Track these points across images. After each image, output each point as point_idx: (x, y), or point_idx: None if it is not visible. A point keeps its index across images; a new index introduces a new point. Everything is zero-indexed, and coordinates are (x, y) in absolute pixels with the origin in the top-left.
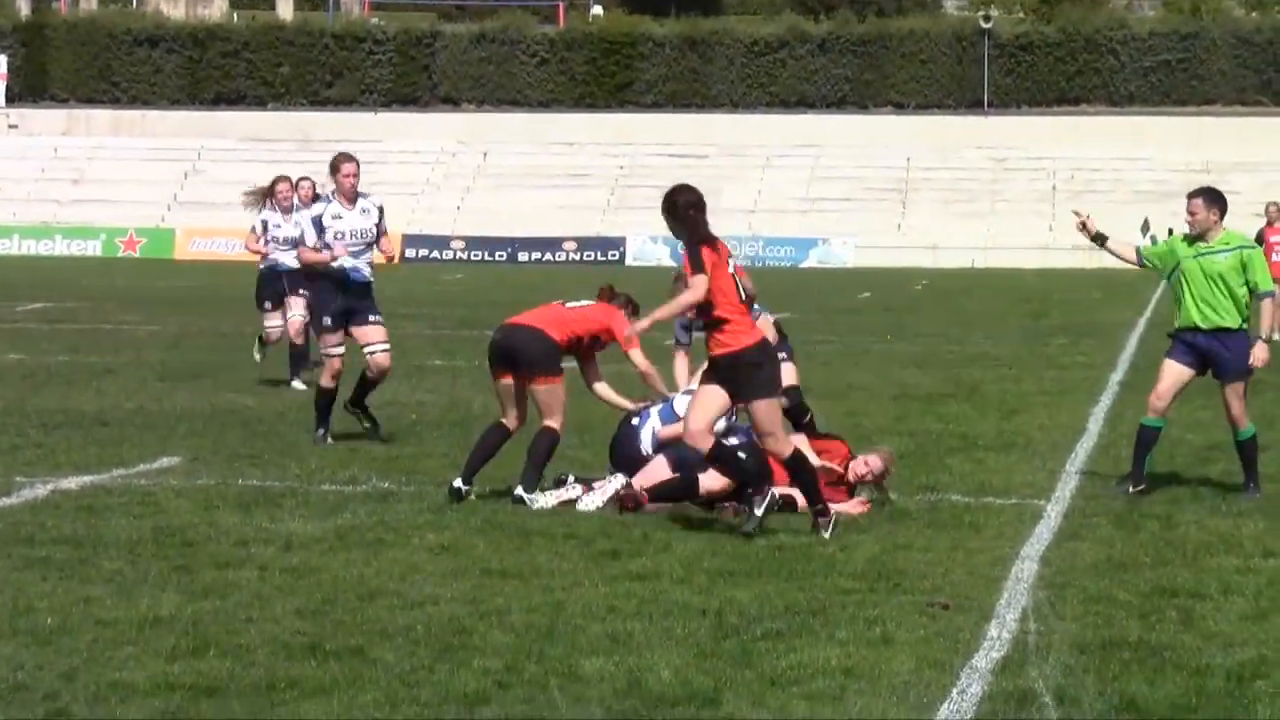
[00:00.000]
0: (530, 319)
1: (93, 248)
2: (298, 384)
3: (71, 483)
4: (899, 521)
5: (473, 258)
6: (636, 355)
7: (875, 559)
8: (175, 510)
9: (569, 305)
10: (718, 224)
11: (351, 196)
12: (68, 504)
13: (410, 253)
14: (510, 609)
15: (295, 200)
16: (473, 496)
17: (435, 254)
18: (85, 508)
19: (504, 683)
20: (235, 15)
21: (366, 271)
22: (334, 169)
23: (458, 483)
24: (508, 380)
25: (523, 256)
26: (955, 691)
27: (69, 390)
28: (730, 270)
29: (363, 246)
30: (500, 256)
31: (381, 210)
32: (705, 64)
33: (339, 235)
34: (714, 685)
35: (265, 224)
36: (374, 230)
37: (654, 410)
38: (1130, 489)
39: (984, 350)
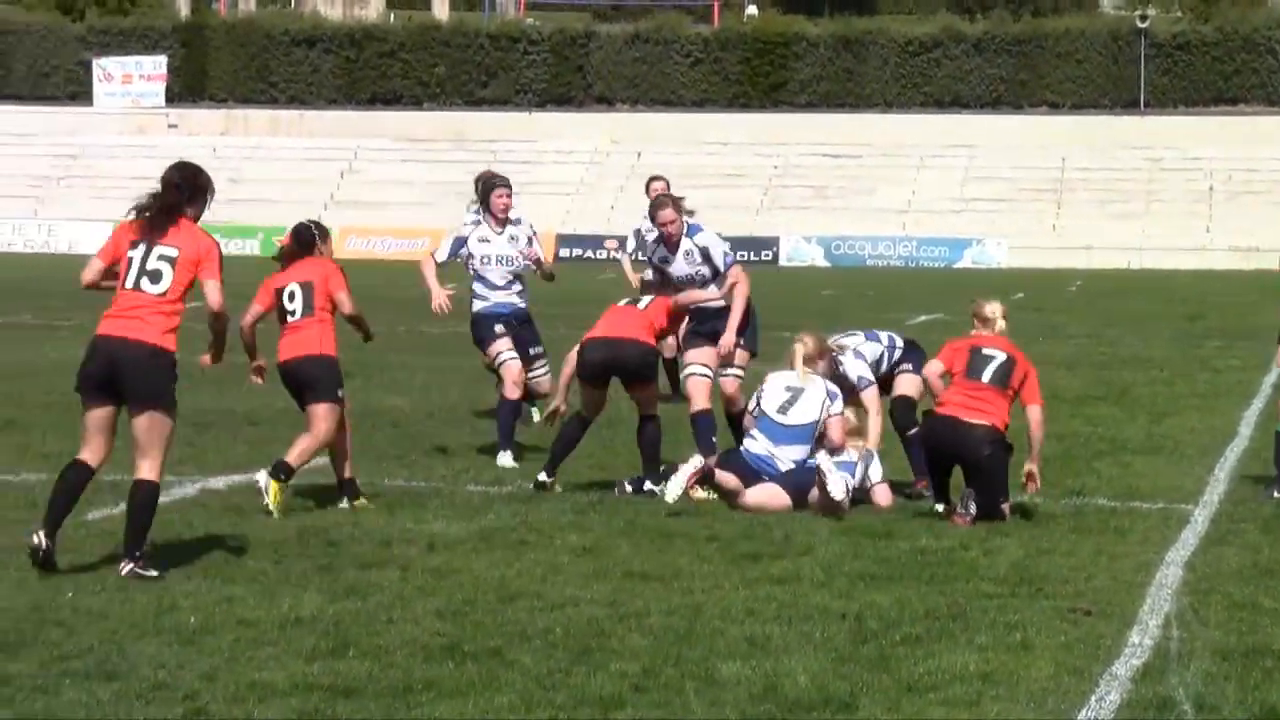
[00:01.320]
0: (626, 330)
1: (251, 247)
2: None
3: (220, 482)
4: (1043, 526)
5: None
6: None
7: (1018, 563)
8: (320, 511)
9: (625, 304)
10: (871, 223)
11: (502, 221)
12: (215, 503)
13: (564, 253)
14: (649, 611)
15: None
16: (558, 489)
17: (589, 254)
18: (233, 507)
19: (640, 686)
20: (392, 15)
21: (520, 303)
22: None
23: (542, 475)
24: (602, 391)
25: None
26: (1094, 699)
27: (221, 390)
28: None
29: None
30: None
31: (532, 233)
32: (859, 64)
33: (485, 260)
34: (850, 690)
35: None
36: (521, 257)
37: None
38: (1277, 494)
39: (1136, 352)
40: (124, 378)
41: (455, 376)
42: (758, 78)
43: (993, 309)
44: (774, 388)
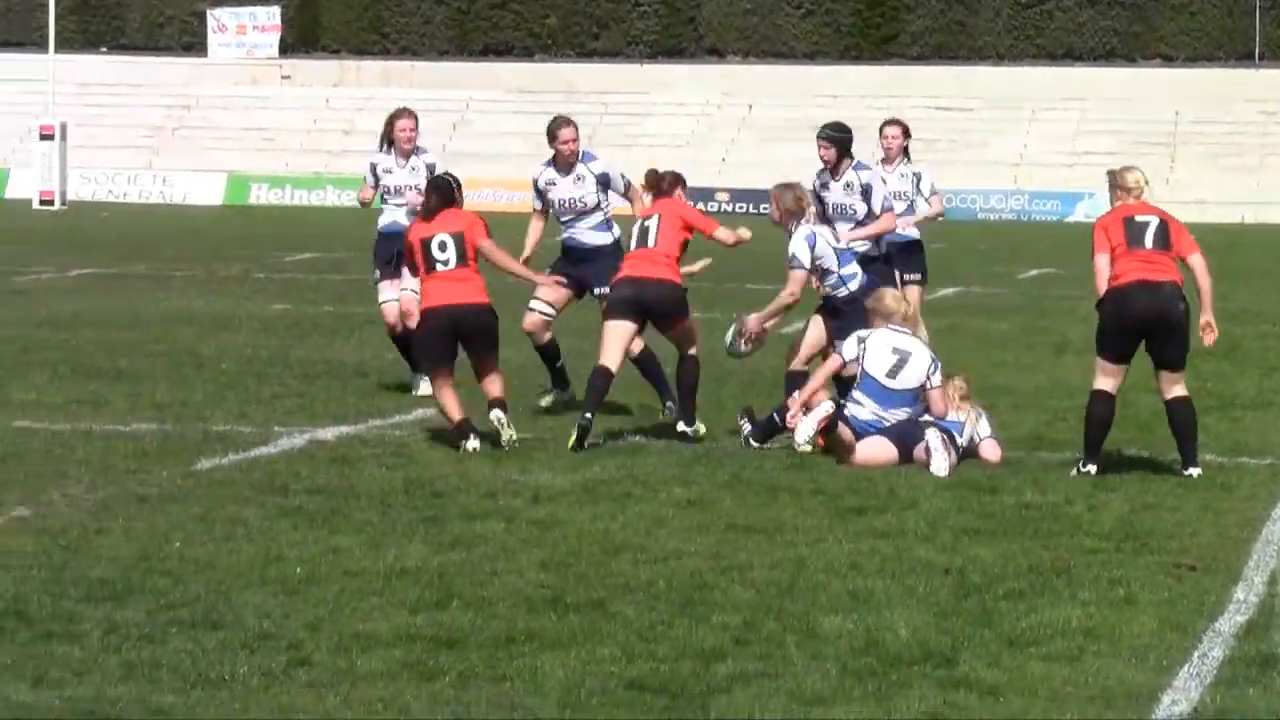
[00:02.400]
0: (652, 270)
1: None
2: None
3: (328, 433)
4: (1149, 481)
5: (738, 210)
6: (722, 233)
7: (1123, 518)
8: (427, 462)
9: (647, 245)
10: (982, 176)
11: (569, 164)
12: (323, 454)
13: None
14: (752, 564)
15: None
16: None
17: (700, 205)
18: (340, 458)
19: (741, 639)
20: None
21: (590, 239)
22: (551, 135)
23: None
24: (631, 325)
25: None
26: (1196, 655)
27: (331, 341)
28: None
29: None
30: (764, 209)
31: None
32: (971, 15)
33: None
34: (951, 644)
35: (374, 168)
36: (593, 197)
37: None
38: None
39: (1247, 307)
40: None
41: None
42: (869, 30)
43: (1135, 176)
44: (880, 349)
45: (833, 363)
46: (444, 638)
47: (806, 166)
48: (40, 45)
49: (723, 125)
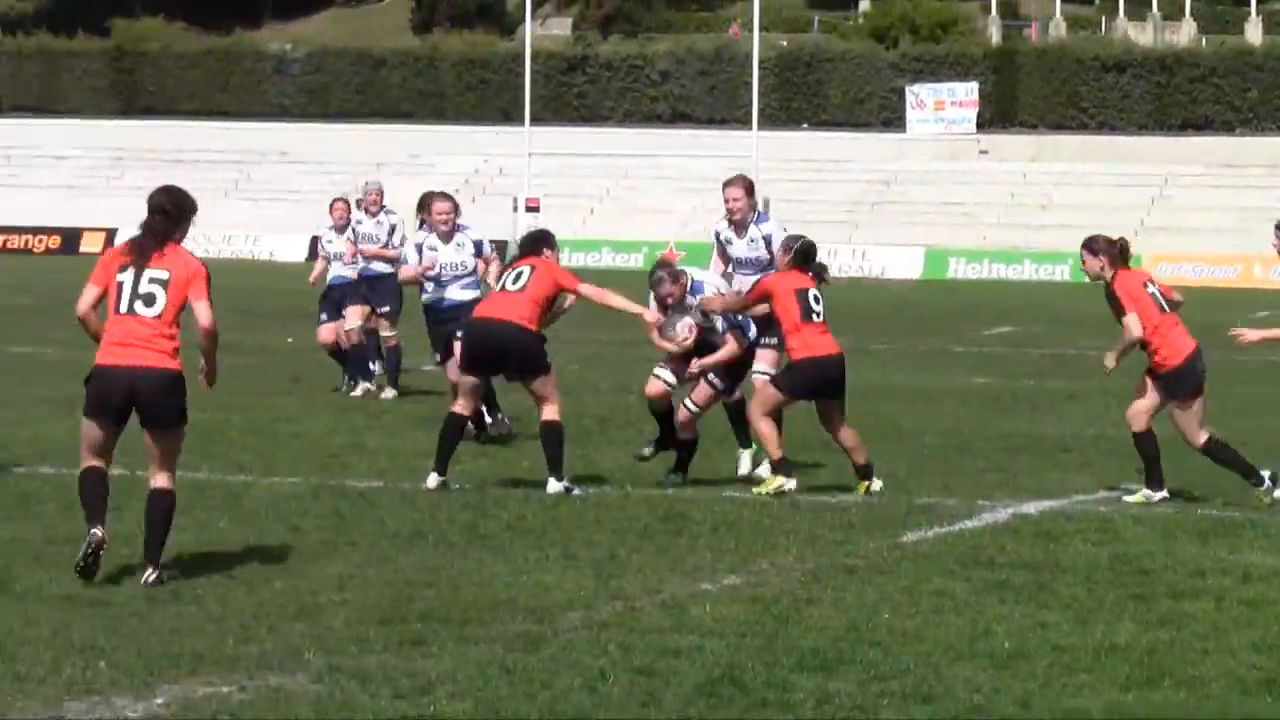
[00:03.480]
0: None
1: (1060, 273)
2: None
3: (1031, 507)
4: None
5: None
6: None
7: None
8: (1132, 538)
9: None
10: None
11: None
12: (1027, 528)
13: None
14: None
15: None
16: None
17: None
18: (1044, 533)
19: None
20: (1203, 40)
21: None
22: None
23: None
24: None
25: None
26: None
27: (1033, 414)
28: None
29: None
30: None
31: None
32: None
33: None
34: None
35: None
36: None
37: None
38: None
39: None
40: (140, 403)
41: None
42: None
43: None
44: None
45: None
46: (1155, 718)
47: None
48: (745, 122)
49: None
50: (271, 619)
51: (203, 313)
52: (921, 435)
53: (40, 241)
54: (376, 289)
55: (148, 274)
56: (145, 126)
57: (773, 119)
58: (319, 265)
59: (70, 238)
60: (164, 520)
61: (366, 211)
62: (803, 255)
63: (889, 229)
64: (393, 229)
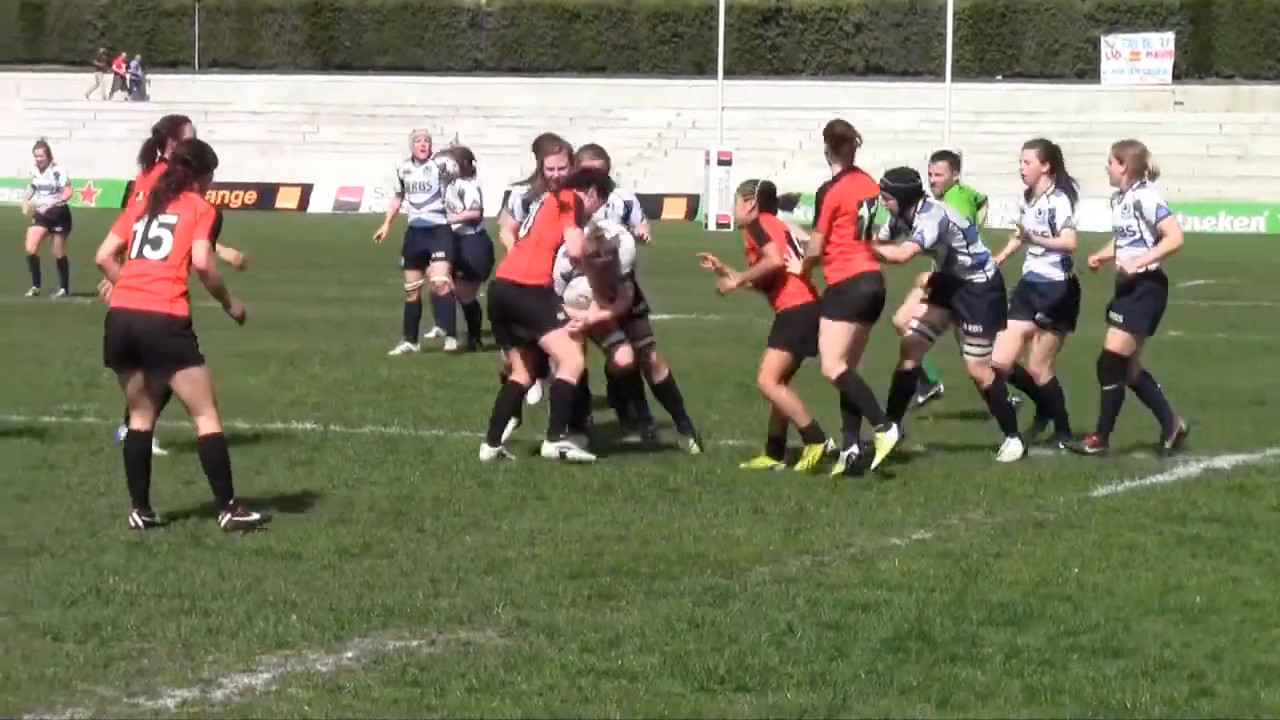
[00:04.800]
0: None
1: (1256, 224)
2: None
3: (1224, 461)
4: None
5: None
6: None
7: None
8: None
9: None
10: None
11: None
12: (1219, 482)
13: None
14: None
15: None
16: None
17: None
18: (1236, 486)
19: None
20: None
21: None
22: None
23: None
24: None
25: None
26: None
27: (1227, 368)
28: None
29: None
30: None
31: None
32: None
33: None
34: None
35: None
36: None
37: None
38: None
39: None
40: (139, 349)
41: None
42: None
43: None
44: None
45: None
46: None
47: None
48: (938, 74)
49: None
50: (461, 573)
51: (196, 252)
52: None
53: (236, 197)
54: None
55: (158, 220)
56: (341, 81)
57: (966, 71)
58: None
59: (266, 193)
60: (215, 467)
61: (414, 160)
62: (765, 199)
63: (1082, 181)
64: (443, 169)
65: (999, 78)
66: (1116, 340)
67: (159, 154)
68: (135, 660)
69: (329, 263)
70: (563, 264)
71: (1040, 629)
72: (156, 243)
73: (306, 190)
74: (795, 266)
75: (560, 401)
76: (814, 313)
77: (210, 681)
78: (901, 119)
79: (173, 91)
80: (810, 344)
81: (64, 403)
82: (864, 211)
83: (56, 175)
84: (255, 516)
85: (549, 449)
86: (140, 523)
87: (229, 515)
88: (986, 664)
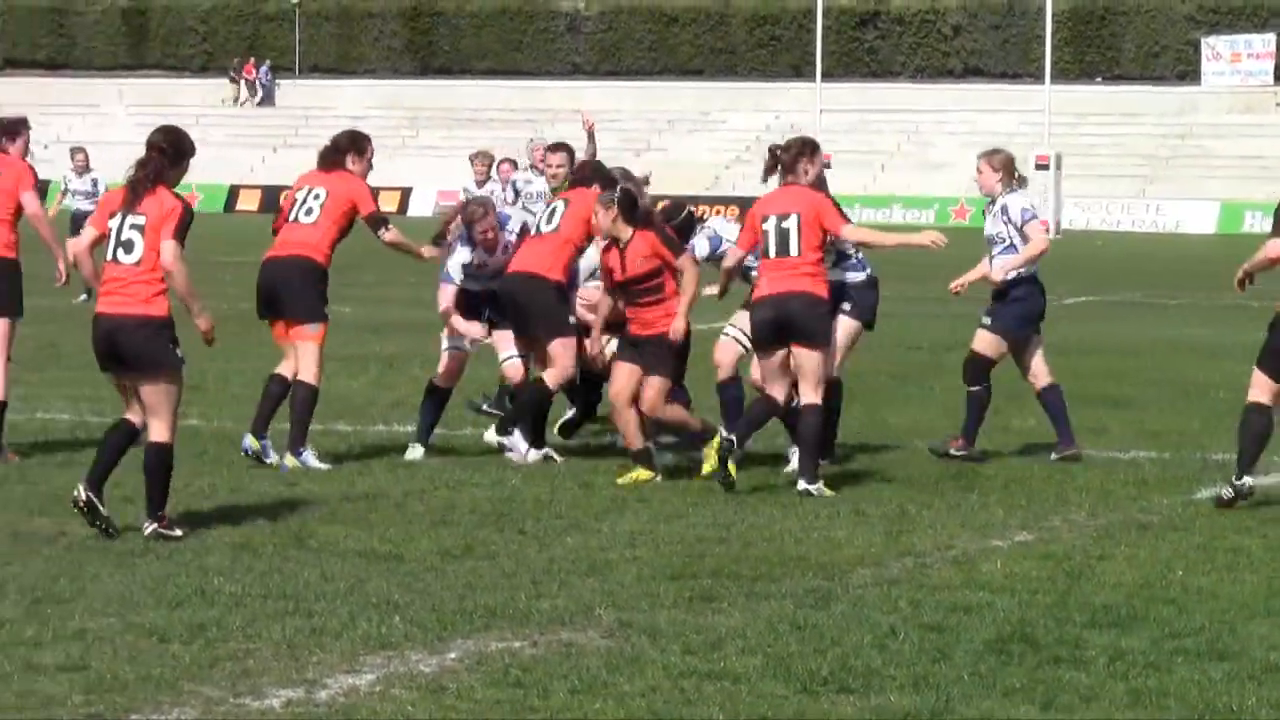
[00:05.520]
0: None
1: None
2: None
3: None
4: None
5: None
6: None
7: None
8: None
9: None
10: None
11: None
12: None
13: None
14: None
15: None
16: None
17: None
18: None
19: None
20: None
21: None
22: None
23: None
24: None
25: None
26: None
27: None
28: None
29: None
30: None
31: None
32: None
33: None
34: None
35: None
36: None
37: None
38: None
39: None
40: (122, 352)
41: None
42: None
43: None
44: None
45: None
46: None
47: None
48: (1037, 76)
49: None
50: (563, 575)
51: (164, 252)
52: (1216, 390)
53: None
54: None
55: (129, 220)
56: (440, 86)
57: (1065, 72)
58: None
59: None
60: (156, 474)
61: (533, 169)
62: (628, 209)
63: (1183, 183)
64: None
65: (1099, 80)
66: (982, 342)
67: (340, 159)
68: (241, 661)
69: (428, 265)
70: (590, 258)
71: (1144, 632)
72: (129, 246)
73: (406, 194)
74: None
75: (529, 402)
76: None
77: (315, 682)
78: (1001, 121)
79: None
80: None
81: None
82: (766, 226)
83: (94, 182)
84: (179, 533)
85: (490, 436)
86: (83, 498)
87: (154, 525)
88: (1090, 666)
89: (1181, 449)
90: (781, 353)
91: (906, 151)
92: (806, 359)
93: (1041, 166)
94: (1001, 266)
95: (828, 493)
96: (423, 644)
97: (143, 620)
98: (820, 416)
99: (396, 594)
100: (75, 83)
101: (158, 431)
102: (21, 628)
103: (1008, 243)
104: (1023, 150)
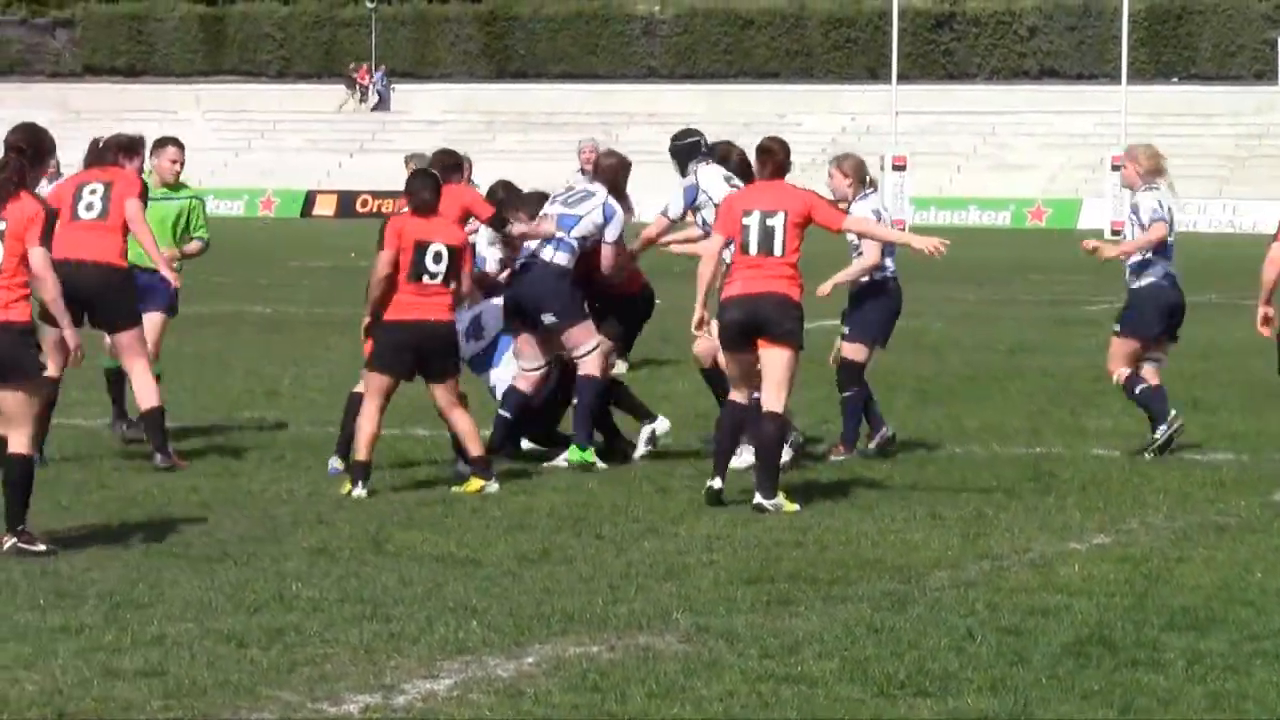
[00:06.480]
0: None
1: None
2: None
3: None
4: None
5: None
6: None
7: None
8: None
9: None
10: None
11: None
12: None
13: None
14: None
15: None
16: None
17: None
18: None
19: None
20: None
21: None
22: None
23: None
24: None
25: None
26: None
27: None
28: None
29: None
30: None
31: None
32: None
33: None
34: None
35: None
36: None
37: None
38: None
39: None
40: None
41: None
42: None
43: None
44: None
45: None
46: None
47: None
48: (1113, 77)
49: None
50: (640, 579)
51: (33, 259)
52: None
53: None
54: None
55: None
56: (516, 90)
57: (1142, 73)
58: None
59: None
60: (16, 486)
61: (582, 171)
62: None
63: (1260, 184)
64: None
65: (1175, 80)
66: (850, 350)
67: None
68: (318, 665)
69: None
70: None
71: (1223, 634)
72: None
73: None
74: None
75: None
76: None
77: (393, 687)
78: (1077, 122)
79: None
80: None
81: (245, 410)
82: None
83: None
84: (42, 548)
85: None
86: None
87: (14, 540)
88: (1168, 669)
89: (1259, 450)
90: (752, 355)
91: (982, 153)
92: (775, 360)
93: (1117, 167)
94: (831, 279)
95: (788, 507)
96: (500, 649)
97: (221, 625)
98: (780, 426)
99: (474, 599)
100: (153, 89)
101: (17, 443)
102: (100, 633)
103: (860, 248)
104: (1099, 151)
